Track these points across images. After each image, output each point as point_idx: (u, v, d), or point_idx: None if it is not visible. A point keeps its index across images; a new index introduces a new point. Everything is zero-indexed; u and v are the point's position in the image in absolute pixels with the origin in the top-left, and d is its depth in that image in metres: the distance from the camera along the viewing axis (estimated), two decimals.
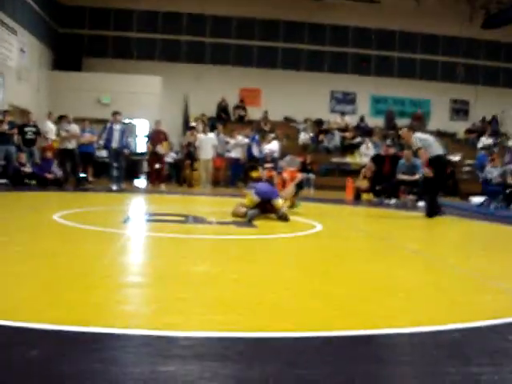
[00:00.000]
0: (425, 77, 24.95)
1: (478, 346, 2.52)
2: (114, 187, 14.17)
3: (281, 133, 20.19)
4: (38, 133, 15.11)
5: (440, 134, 22.96)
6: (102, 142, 14.64)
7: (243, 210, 7.60)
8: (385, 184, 13.67)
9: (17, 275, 3.50)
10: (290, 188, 9.18)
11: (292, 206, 9.02)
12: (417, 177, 13.07)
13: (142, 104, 20.38)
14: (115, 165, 14.50)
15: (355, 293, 3.49)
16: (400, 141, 17.27)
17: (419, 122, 22.52)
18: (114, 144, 14.33)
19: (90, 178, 15.76)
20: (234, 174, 18.00)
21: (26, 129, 14.92)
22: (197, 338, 2.38)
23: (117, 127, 14.48)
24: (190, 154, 17.51)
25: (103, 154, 16.34)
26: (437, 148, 9.80)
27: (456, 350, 2.43)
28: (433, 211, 9.60)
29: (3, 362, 1.99)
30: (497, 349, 2.48)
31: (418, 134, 9.97)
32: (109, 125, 14.50)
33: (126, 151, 14.89)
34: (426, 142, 9.72)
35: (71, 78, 20.81)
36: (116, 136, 14.34)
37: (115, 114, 14.69)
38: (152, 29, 23.57)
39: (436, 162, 9.65)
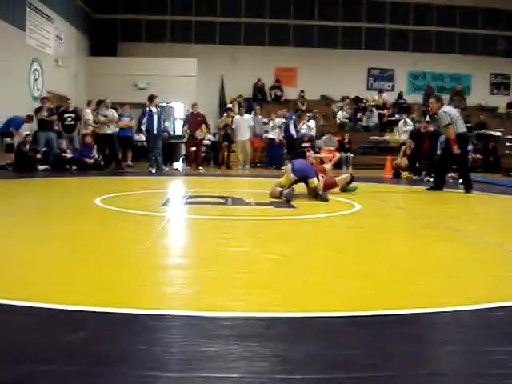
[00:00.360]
0: (464, 51, 24.39)
1: None
2: (153, 170, 14.31)
3: (318, 112, 20.03)
4: (77, 118, 15.31)
5: (481, 109, 22.56)
6: (143, 128, 14.72)
7: (279, 189, 7.60)
8: (425, 161, 13.47)
9: (60, 259, 3.59)
10: (344, 177, 9.03)
11: (345, 189, 8.92)
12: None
13: (179, 87, 20.43)
14: (155, 149, 14.66)
15: (397, 272, 3.47)
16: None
17: (459, 97, 22.15)
18: (154, 128, 14.48)
19: (129, 162, 15.92)
20: (271, 155, 17.91)
21: (66, 115, 15.14)
22: (239, 318, 2.41)
23: (154, 110, 14.59)
24: (226, 135, 17.50)
25: (142, 137, 16.50)
26: (461, 125, 9.77)
27: (499, 328, 2.40)
28: (469, 185, 9.73)
29: (50, 345, 2.05)
30: None
31: (447, 108, 9.98)
32: (147, 109, 14.61)
33: (164, 134, 15.02)
34: (453, 118, 9.65)
35: (107, 63, 20.96)
36: (155, 120, 14.48)
37: (152, 97, 14.77)
38: (186, 11, 23.53)
39: (461, 139, 9.65)
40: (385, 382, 1.80)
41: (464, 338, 2.28)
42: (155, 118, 14.51)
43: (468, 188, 9.69)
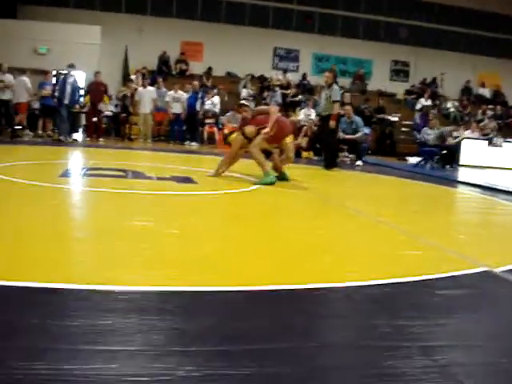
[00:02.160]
0: (367, 37, 25.04)
1: (408, 300, 2.64)
2: (62, 138, 13.94)
3: (223, 88, 19.98)
4: None
5: (380, 94, 23.29)
6: (56, 94, 14.21)
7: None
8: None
9: None
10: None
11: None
12: (358, 135, 13.22)
13: (81, 55, 19.66)
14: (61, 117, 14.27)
15: (293, 248, 3.57)
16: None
17: (360, 81, 22.91)
18: (66, 98, 14.01)
19: (49, 132, 15.44)
20: (175, 129, 17.68)
21: None
22: (136, 292, 2.41)
23: (70, 80, 14.12)
24: (125, 107, 17.11)
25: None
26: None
27: (386, 304, 2.54)
28: (333, 163, 10.71)
29: None
30: (425, 303, 2.60)
31: (337, 86, 10.66)
32: (62, 78, 14.13)
33: (77, 106, 14.65)
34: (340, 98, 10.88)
35: (5, 25, 19.84)
36: (68, 90, 14.01)
37: (70, 66, 14.30)
38: None
39: (338, 118, 10.89)
40: (278, 354, 1.86)
41: (353, 313, 2.40)
42: (68, 87, 14.03)
43: (329, 165, 10.49)
